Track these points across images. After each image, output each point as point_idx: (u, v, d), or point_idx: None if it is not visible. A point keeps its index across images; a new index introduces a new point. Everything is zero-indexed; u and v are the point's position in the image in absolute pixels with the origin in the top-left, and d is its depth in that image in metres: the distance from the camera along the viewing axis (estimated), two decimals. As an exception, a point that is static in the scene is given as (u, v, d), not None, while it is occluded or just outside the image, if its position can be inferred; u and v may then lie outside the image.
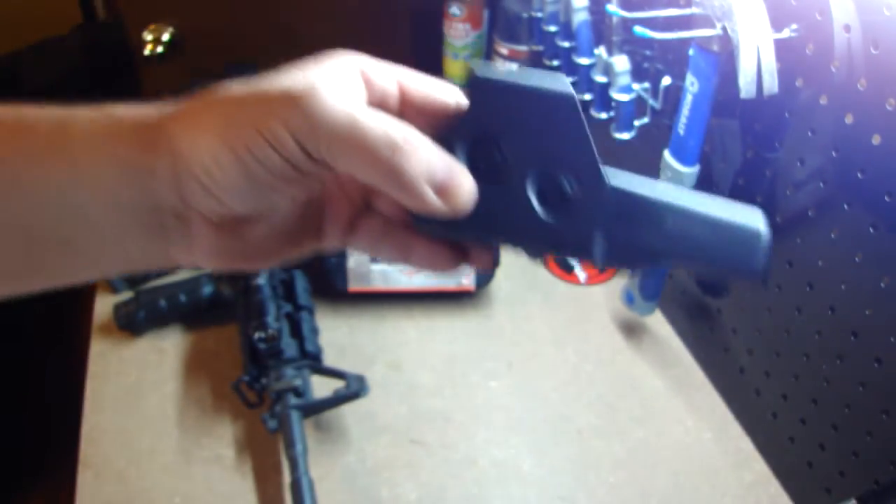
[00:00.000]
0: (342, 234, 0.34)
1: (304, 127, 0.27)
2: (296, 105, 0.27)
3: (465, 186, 0.29)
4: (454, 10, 1.12)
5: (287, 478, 0.64)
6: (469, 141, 0.30)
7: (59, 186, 0.29)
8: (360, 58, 0.31)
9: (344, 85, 0.29)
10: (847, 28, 0.52)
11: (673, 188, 0.31)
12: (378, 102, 0.31)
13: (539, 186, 0.31)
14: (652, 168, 0.69)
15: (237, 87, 0.29)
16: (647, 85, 0.73)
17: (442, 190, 0.29)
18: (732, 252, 0.30)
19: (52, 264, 0.31)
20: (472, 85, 0.31)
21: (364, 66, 0.30)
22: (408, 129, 0.28)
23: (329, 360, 0.76)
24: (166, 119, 0.30)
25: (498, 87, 0.30)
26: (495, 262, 0.34)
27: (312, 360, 0.72)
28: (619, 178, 0.31)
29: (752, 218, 0.30)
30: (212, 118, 0.29)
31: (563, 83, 0.30)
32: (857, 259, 0.55)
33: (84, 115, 0.30)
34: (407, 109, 0.32)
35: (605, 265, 0.31)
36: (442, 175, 0.29)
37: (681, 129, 0.63)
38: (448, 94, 0.32)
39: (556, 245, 0.31)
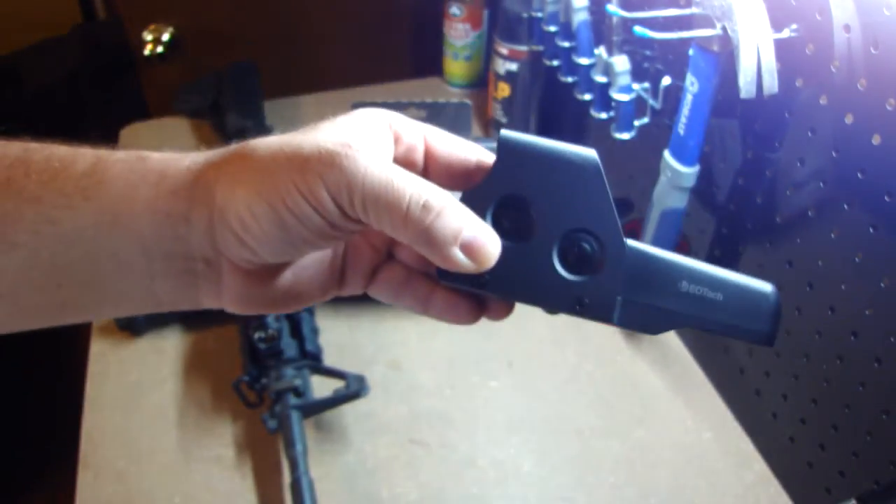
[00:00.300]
0: (364, 281, 0.35)
1: (340, 185, 0.28)
2: (332, 163, 0.28)
3: (490, 246, 0.30)
4: (454, 10, 1.12)
5: (287, 478, 0.64)
6: (496, 199, 0.32)
7: (94, 230, 0.30)
8: (390, 114, 0.32)
9: (378, 143, 0.30)
10: (847, 28, 0.52)
11: (686, 258, 0.33)
12: (404, 158, 0.32)
13: (561, 247, 0.32)
14: (652, 168, 0.69)
15: (272, 141, 0.30)
16: (647, 85, 0.73)
17: (468, 248, 0.30)
18: (743, 313, 0.32)
19: (79, 302, 0.32)
20: (502, 145, 0.32)
21: (393, 123, 0.32)
22: (440, 191, 0.30)
23: (329, 360, 0.76)
24: (203, 169, 0.30)
25: (526, 148, 0.32)
26: (510, 312, 0.35)
27: (312, 360, 0.72)
28: (637, 244, 0.32)
29: (761, 284, 0.33)
30: (249, 171, 0.29)
31: (587, 149, 0.32)
32: (857, 259, 0.55)
33: (117, 158, 0.31)
34: (431, 165, 0.33)
35: (624, 327, 0.33)
36: (469, 235, 0.30)
37: (681, 129, 0.63)
38: (471, 152, 0.33)
39: (576, 305, 0.32)
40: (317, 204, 0.29)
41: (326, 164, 0.28)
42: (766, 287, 0.33)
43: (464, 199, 0.32)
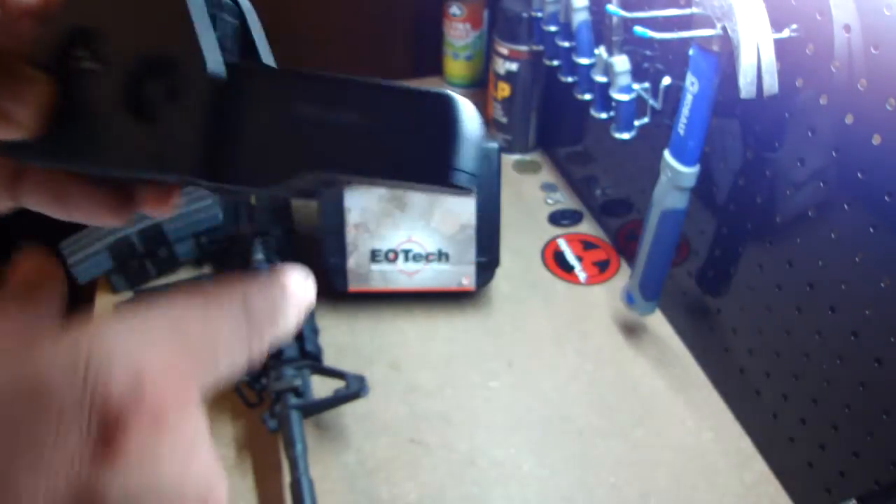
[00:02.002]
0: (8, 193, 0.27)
1: None
2: None
3: (32, 94, 0.23)
4: (454, 10, 1.12)
5: (287, 478, 0.64)
6: (64, 34, 0.24)
7: None
8: None
9: None
10: (847, 28, 0.52)
11: (314, 71, 0.23)
12: None
13: (129, 85, 0.24)
14: (652, 168, 0.69)
15: None
16: (647, 85, 0.73)
17: None
18: (394, 137, 0.22)
19: None
20: None
21: None
22: None
23: (329, 360, 0.76)
24: None
25: None
26: (171, 201, 0.27)
27: (312, 360, 0.72)
28: (238, 62, 0.25)
29: (432, 91, 0.22)
30: None
31: None
32: (857, 259, 0.55)
33: None
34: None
35: (230, 183, 0.24)
36: None
37: (681, 129, 0.63)
38: None
39: (151, 160, 0.23)
40: None
41: None
42: (432, 95, 0.22)
43: (37, 40, 0.24)
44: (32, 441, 0.18)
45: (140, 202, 0.27)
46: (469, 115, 0.22)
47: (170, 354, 0.20)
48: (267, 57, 0.27)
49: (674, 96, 0.70)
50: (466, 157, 0.22)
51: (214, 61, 0.23)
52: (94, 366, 0.19)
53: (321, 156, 0.22)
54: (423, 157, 0.22)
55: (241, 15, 0.26)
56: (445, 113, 0.22)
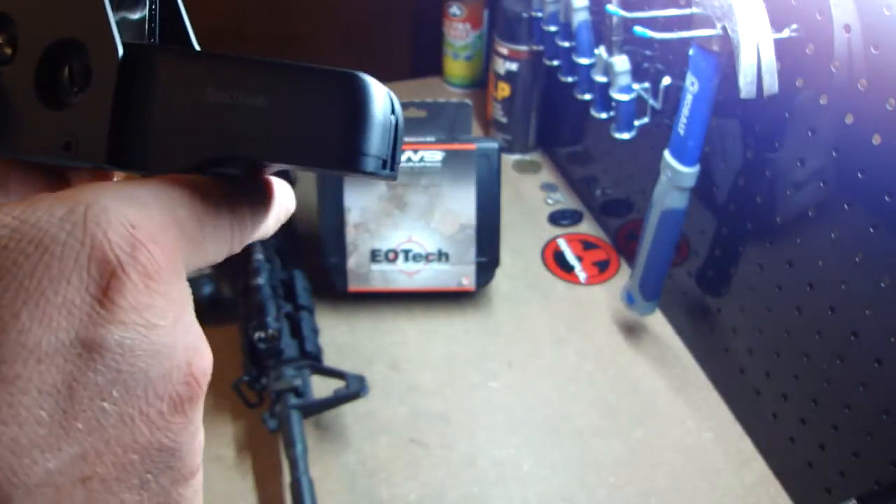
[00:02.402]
0: None
1: None
2: None
3: None
4: (454, 10, 1.12)
5: (287, 478, 0.64)
6: None
7: None
8: None
9: None
10: (847, 28, 0.52)
11: (227, 54, 0.22)
12: None
13: (40, 69, 0.23)
14: (652, 168, 0.69)
15: None
16: (647, 85, 0.73)
17: None
18: (298, 120, 0.21)
19: None
20: None
21: None
22: None
23: (329, 360, 0.76)
24: None
25: None
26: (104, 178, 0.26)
27: (312, 360, 0.72)
28: (151, 46, 0.24)
29: (335, 72, 0.22)
30: None
31: None
32: (857, 259, 0.55)
33: None
34: None
35: (123, 169, 0.23)
36: None
37: (681, 129, 0.63)
38: None
39: (63, 147, 0.23)
40: None
41: None
42: (337, 76, 0.21)
43: None
44: (34, 288, 0.18)
45: (76, 185, 0.27)
46: (378, 96, 0.22)
47: (161, 223, 0.20)
48: (188, 38, 0.26)
49: (674, 96, 0.70)
50: (374, 141, 0.22)
51: (123, 45, 0.22)
52: (92, 217, 0.19)
53: (229, 141, 0.22)
54: (329, 143, 0.21)
55: (164, 4, 0.26)
56: (353, 95, 0.21)
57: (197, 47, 0.26)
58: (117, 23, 0.22)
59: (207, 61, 0.22)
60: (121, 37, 0.22)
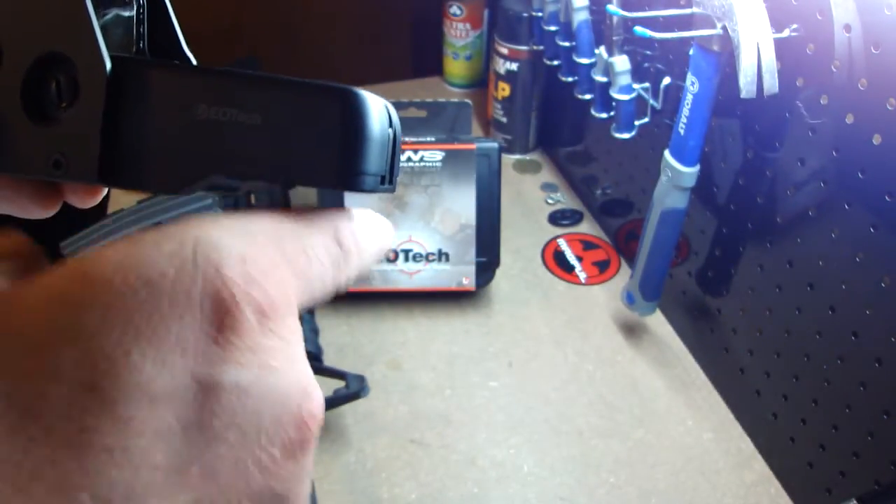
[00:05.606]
0: None
1: None
2: None
3: None
4: (454, 10, 1.12)
5: (287, 478, 0.64)
6: None
7: None
8: None
9: None
10: (847, 28, 0.52)
11: (220, 70, 0.21)
12: None
13: (27, 85, 0.22)
14: (652, 168, 0.69)
15: None
16: (647, 85, 0.73)
17: None
18: (294, 139, 0.21)
19: None
20: None
21: None
22: None
23: (329, 360, 0.76)
24: None
25: None
26: (100, 191, 0.26)
27: (312, 360, 0.72)
28: (137, 59, 0.23)
29: (332, 88, 0.21)
30: None
31: None
32: (857, 259, 0.55)
33: None
34: None
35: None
36: None
37: (681, 129, 0.63)
38: None
39: (51, 166, 0.22)
40: None
41: None
42: (332, 93, 0.21)
43: None
44: (144, 326, 0.17)
45: (67, 193, 0.26)
46: (374, 112, 0.21)
47: (272, 258, 0.19)
48: (178, 43, 0.25)
49: (674, 96, 0.70)
50: (372, 159, 0.21)
51: (111, 58, 0.21)
52: (203, 252, 0.18)
53: (222, 159, 0.21)
54: (326, 163, 0.21)
55: (152, 4, 0.25)
56: (349, 114, 0.21)
57: (188, 52, 0.25)
58: (103, 26, 0.22)
59: (199, 77, 0.21)
60: (108, 48, 0.21)
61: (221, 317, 0.18)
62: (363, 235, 0.23)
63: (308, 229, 0.21)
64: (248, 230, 0.19)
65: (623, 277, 0.88)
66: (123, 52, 0.23)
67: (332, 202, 0.79)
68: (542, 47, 0.93)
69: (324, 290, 0.22)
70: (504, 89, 1.03)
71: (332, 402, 0.69)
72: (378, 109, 0.21)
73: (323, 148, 0.21)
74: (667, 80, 0.70)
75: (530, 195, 1.01)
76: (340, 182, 0.21)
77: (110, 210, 0.91)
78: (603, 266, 0.91)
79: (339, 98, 0.21)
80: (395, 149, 0.22)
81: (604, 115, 0.79)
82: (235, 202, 0.88)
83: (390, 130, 0.22)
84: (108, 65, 0.21)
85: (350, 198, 0.79)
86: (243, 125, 0.21)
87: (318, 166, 0.21)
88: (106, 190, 0.26)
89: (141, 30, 0.25)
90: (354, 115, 0.21)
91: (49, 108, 0.22)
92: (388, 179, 0.22)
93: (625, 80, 0.72)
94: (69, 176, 0.22)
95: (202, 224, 0.19)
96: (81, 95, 0.21)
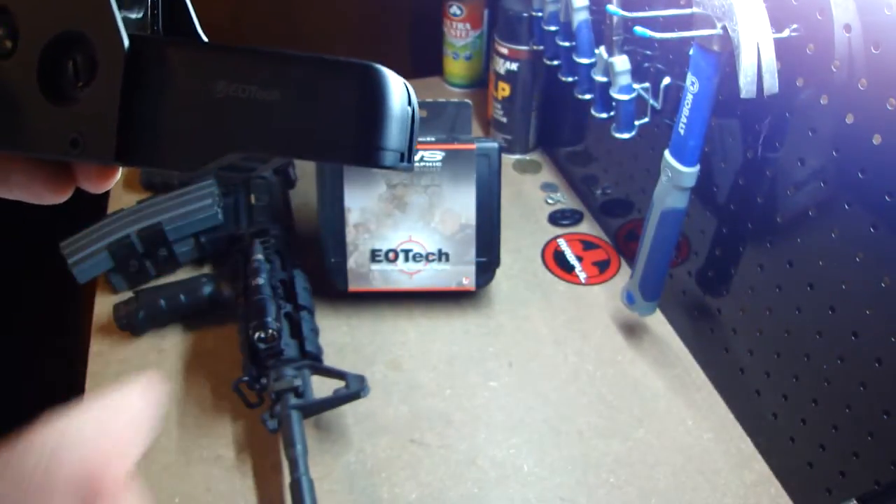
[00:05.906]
0: None
1: None
2: None
3: None
4: (454, 10, 1.12)
5: (287, 478, 0.64)
6: None
7: None
8: None
9: None
10: (848, 28, 0.52)
11: (236, 47, 0.21)
12: None
13: (44, 64, 0.22)
14: (652, 168, 0.69)
15: None
16: (647, 85, 0.73)
17: None
18: (313, 115, 0.20)
19: None
20: None
21: None
22: None
23: (329, 360, 0.76)
24: None
25: None
26: (113, 175, 0.26)
27: (312, 360, 0.72)
28: (154, 38, 0.23)
29: (350, 65, 0.21)
30: None
31: None
32: (857, 259, 0.55)
33: None
34: None
35: (135, 164, 0.23)
36: None
37: (681, 128, 0.63)
38: None
39: (69, 145, 0.22)
40: None
41: None
42: (353, 69, 0.20)
43: None
44: None
45: (80, 178, 0.26)
46: (395, 89, 0.21)
47: (108, 449, 0.25)
48: (194, 29, 0.26)
49: (674, 96, 0.70)
50: (393, 135, 0.21)
51: (129, 37, 0.21)
52: (56, 461, 0.23)
53: (241, 136, 0.21)
54: (347, 137, 0.20)
55: None
56: (370, 89, 0.20)
57: (204, 39, 0.25)
58: (119, 6, 0.22)
59: (218, 54, 0.21)
60: (126, 28, 0.21)
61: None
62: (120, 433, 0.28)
63: (121, 411, 0.27)
64: (87, 432, 0.25)
65: (623, 277, 0.88)
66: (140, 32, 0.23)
67: (332, 189, 0.78)
68: (542, 47, 0.93)
69: (141, 449, 0.28)
70: (504, 89, 1.03)
71: (332, 403, 0.69)
72: (398, 86, 0.21)
73: (343, 123, 0.20)
74: (667, 80, 0.70)
75: (530, 195, 1.01)
76: (361, 157, 0.21)
77: (110, 210, 0.92)
78: (603, 266, 0.91)
79: (361, 73, 0.20)
80: (413, 126, 0.22)
81: (604, 115, 0.79)
82: (235, 202, 0.88)
83: (409, 108, 0.22)
84: (126, 42, 0.21)
85: (350, 195, 0.79)
86: (263, 101, 0.20)
87: (339, 141, 0.20)
88: (118, 174, 0.26)
89: (156, 12, 0.24)
90: (375, 90, 0.20)
91: (66, 87, 0.22)
92: (406, 157, 0.22)
93: (625, 80, 0.72)
94: (86, 155, 0.22)
95: (54, 434, 0.25)
96: (99, 74, 0.21)
